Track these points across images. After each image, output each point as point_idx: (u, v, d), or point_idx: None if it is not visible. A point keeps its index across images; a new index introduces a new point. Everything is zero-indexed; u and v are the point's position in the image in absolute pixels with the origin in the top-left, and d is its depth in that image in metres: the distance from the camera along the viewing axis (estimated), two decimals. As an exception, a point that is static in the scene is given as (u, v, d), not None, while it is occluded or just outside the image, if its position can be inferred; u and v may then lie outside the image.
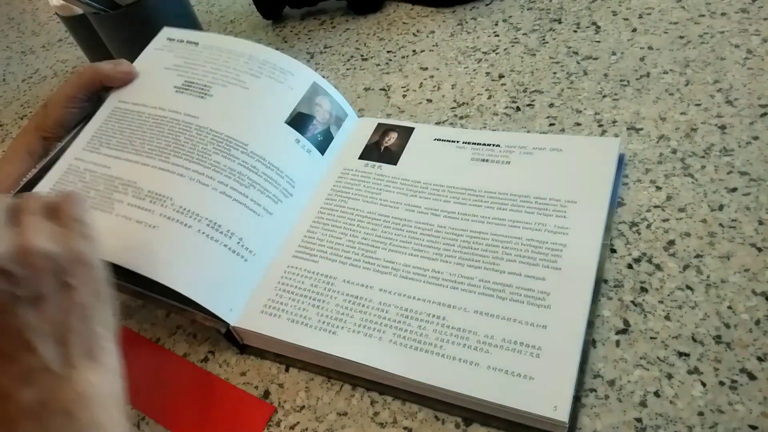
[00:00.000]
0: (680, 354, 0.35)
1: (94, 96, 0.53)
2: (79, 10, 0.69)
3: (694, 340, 0.35)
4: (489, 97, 0.55)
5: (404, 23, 0.69)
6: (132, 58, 0.57)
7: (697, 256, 0.39)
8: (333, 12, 0.75)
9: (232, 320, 0.41)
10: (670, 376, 0.34)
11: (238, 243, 0.43)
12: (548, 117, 0.51)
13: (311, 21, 0.75)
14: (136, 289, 0.42)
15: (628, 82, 0.52)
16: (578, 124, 0.50)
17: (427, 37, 0.66)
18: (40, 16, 1.07)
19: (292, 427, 0.38)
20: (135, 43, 0.57)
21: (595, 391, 0.35)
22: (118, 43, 0.67)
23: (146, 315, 0.47)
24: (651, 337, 0.36)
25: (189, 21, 0.69)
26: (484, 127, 0.52)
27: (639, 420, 0.33)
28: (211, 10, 0.86)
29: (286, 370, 0.41)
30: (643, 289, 0.38)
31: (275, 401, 0.39)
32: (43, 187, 0.48)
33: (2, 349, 0.27)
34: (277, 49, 0.72)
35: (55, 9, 0.71)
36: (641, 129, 0.47)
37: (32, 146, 0.51)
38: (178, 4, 0.67)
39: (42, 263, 0.28)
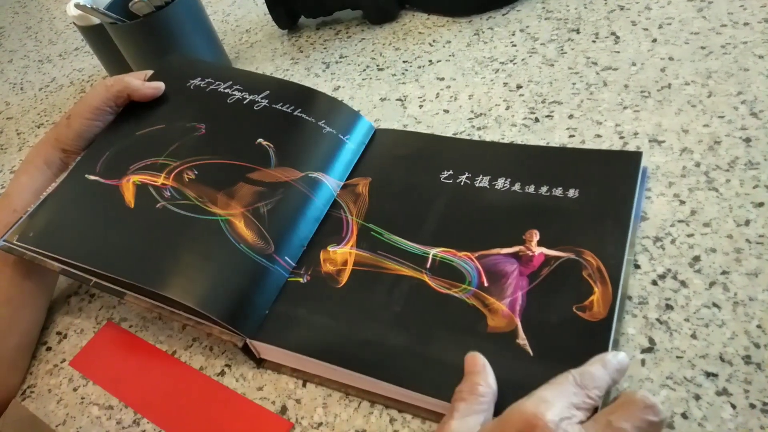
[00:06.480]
0: (708, 374, 0.34)
1: (119, 109, 0.53)
2: (96, 20, 0.69)
3: (722, 359, 0.34)
4: (507, 108, 0.55)
5: (420, 33, 0.69)
6: (148, 67, 0.57)
7: (724, 272, 0.38)
8: (348, 22, 0.75)
9: (249, 334, 0.40)
10: (698, 397, 0.33)
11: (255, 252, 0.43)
12: (568, 128, 0.51)
13: (327, 31, 0.75)
14: (152, 302, 0.42)
15: (649, 93, 0.51)
16: (599, 136, 0.49)
17: (444, 47, 0.65)
18: (57, 25, 1.07)
19: (309, 444, 0.37)
20: (151, 52, 0.58)
21: (621, 411, 0.34)
22: (134, 52, 0.67)
23: (162, 327, 0.47)
24: (677, 356, 0.35)
25: (205, 31, 0.69)
26: (503, 138, 0.52)
27: (666, 442, 0.32)
28: (227, 20, 0.86)
29: (304, 385, 0.40)
30: (669, 307, 0.37)
31: (292, 417, 0.39)
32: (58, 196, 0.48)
33: None
34: (292, 59, 0.73)
35: (72, 18, 0.72)
36: (663, 141, 0.47)
37: (50, 157, 0.51)
38: (195, 15, 0.67)
39: None
